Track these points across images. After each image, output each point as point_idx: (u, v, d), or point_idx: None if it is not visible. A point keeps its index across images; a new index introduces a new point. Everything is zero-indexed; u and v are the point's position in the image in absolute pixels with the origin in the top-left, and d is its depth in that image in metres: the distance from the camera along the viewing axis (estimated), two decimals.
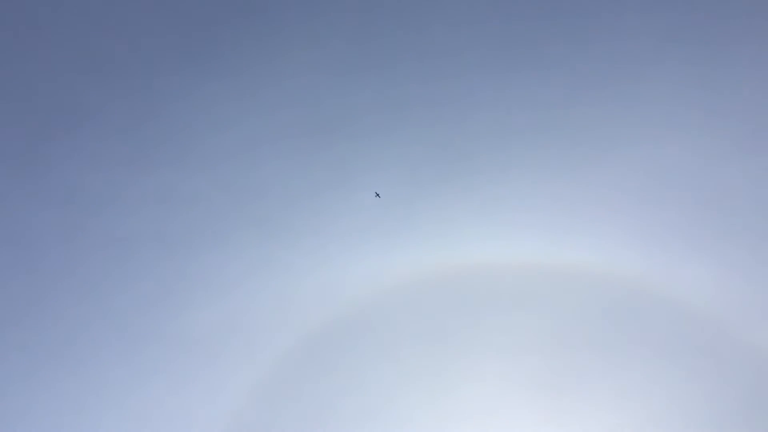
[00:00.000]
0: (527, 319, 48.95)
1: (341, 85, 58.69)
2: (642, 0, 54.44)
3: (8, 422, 43.92)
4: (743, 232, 48.35)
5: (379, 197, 54.07)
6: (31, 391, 46.04)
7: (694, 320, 46.66)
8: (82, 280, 51.56)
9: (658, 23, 53.78)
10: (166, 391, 47.34)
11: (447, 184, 55.01)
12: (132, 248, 53.38)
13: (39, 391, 46.14)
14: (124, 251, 53.10)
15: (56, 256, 51.91)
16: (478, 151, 55.68)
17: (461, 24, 57.81)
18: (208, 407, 46.69)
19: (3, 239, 51.24)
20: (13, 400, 45.07)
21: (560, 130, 54.46)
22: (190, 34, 58.44)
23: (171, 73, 57.88)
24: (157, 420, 45.66)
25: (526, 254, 50.63)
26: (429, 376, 47.91)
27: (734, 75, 51.77)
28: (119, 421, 45.33)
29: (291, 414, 47.13)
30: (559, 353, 46.98)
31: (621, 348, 46.62)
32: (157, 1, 58.04)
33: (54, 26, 56.31)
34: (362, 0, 59.24)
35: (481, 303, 50.26)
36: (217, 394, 47.46)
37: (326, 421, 46.32)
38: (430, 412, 46.16)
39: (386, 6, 59.23)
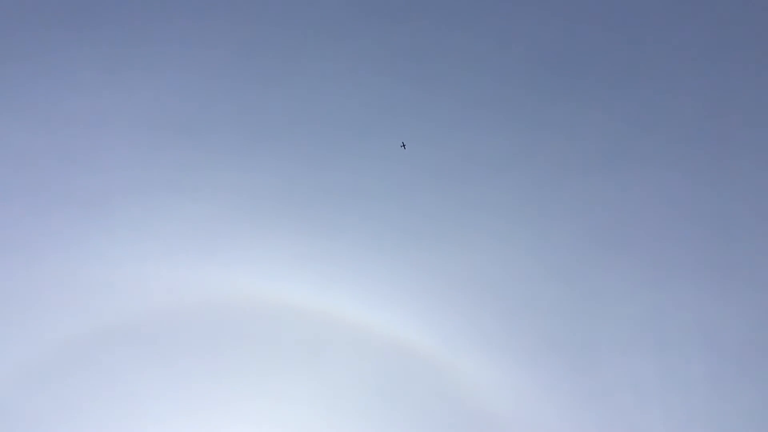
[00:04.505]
0: (304, 367, 50.22)
1: (212, 89, 57.44)
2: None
3: None
4: (537, 344, 50.27)
5: (404, 147, 54.19)
6: None
7: (471, 414, 48.21)
8: None
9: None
10: None
11: (281, 229, 55.01)
12: None
13: None
14: None
15: None
16: (326, 205, 56.22)
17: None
18: None
19: None
20: None
21: (395, 212, 55.76)
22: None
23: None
24: None
25: (321, 307, 51.65)
26: (189, 399, 48.04)
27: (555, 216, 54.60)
28: None
29: (39, 411, 45.69)
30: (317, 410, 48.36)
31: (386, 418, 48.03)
32: None
33: None
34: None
35: (265, 341, 51.12)
36: None
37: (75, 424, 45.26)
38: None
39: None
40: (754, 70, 53.60)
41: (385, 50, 58.20)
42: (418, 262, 53.89)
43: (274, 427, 48.18)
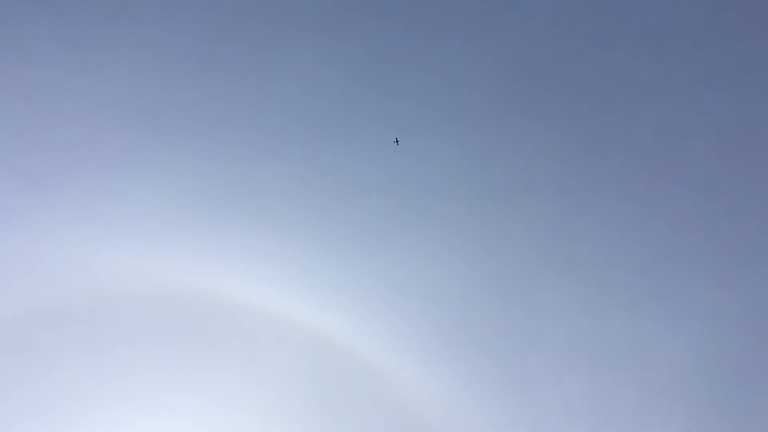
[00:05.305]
0: (241, 363, 50.01)
1: (171, 72, 56.66)
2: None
3: None
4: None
5: (397, 143, 54.12)
6: None
7: (402, 419, 48.52)
8: None
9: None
10: None
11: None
12: None
13: None
14: None
15: None
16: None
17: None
18: None
19: None
20: None
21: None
22: None
23: None
24: None
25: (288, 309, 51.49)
26: (120, 389, 47.62)
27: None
28: None
29: None
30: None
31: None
32: None
33: None
34: None
35: (203, 334, 50.57)
36: None
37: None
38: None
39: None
40: (712, 101, 54.41)
41: (350, 50, 58.07)
42: (366, 265, 54.02)
43: (206, 423, 47.70)
